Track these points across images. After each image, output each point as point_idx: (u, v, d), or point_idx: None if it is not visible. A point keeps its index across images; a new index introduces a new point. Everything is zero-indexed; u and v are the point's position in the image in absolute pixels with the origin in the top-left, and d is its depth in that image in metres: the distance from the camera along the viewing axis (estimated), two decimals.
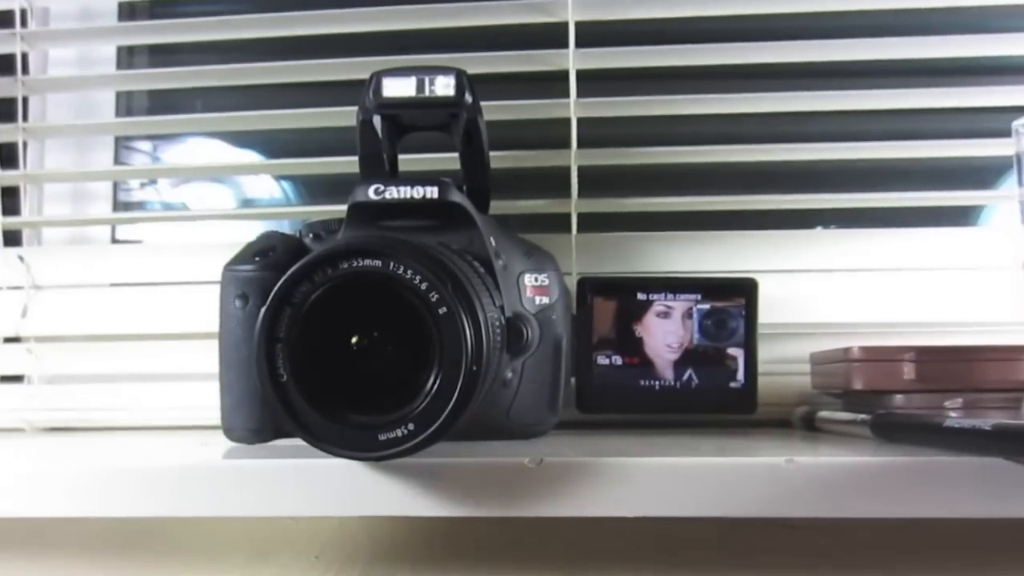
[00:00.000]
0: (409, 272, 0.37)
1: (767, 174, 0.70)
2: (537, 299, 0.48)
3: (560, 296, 0.49)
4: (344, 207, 0.45)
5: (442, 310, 0.36)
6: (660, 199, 0.68)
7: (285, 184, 0.80)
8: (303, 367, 0.37)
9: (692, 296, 0.55)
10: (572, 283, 0.56)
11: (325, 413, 0.37)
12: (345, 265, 0.37)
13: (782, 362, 0.62)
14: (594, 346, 0.54)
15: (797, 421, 0.58)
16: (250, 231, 0.51)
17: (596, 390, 0.54)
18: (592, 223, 0.67)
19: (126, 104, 0.80)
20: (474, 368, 0.36)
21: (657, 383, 0.55)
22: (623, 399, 0.55)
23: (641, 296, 0.55)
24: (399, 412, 0.37)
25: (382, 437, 0.37)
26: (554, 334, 0.49)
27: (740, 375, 0.55)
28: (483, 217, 0.48)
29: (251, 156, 0.81)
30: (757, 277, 0.56)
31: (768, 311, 0.56)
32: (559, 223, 0.66)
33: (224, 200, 0.81)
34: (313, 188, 0.79)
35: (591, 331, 0.54)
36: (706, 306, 0.55)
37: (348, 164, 0.59)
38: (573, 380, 0.53)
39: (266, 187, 0.80)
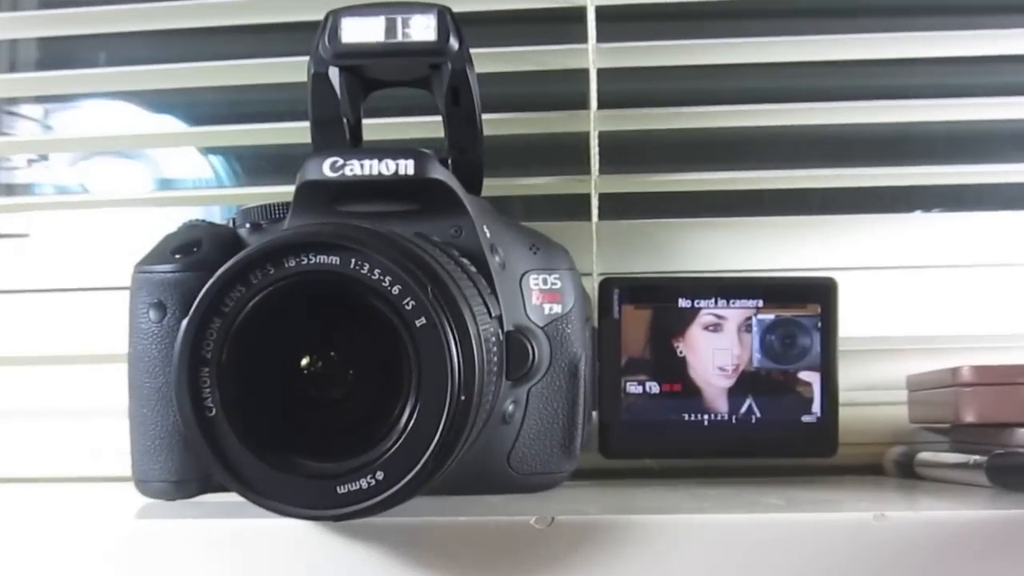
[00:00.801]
0: (376, 272, 0.37)
1: (848, 142, 0.70)
2: (546, 307, 0.49)
3: (577, 304, 0.49)
4: (291, 188, 0.45)
5: (420, 322, 0.36)
6: (706, 175, 0.68)
7: (215, 159, 0.80)
8: (237, 398, 0.37)
9: (751, 303, 0.55)
10: (593, 286, 0.56)
11: (267, 458, 0.37)
12: (292, 263, 0.37)
13: (870, 389, 0.62)
14: (622, 369, 0.54)
15: (891, 465, 0.59)
16: (170, 221, 0.51)
17: (625, 427, 0.54)
18: (618, 207, 0.67)
19: (8, 57, 0.80)
20: (462, 398, 0.36)
21: (706, 418, 0.55)
22: (660, 439, 0.55)
23: (684, 303, 0.55)
24: (364, 457, 0.37)
25: (342, 489, 0.36)
26: (569, 354, 0.49)
27: (816, 406, 0.55)
28: (475, 200, 0.48)
29: (171, 123, 0.81)
30: (836, 276, 0.56)
31: (852, 321, 0.56)
32: (575, 207, 0.67)
33: (136, 181, 0.81)
34: (251, 164, 0.80)
35: (618, 350, 0.54)
36: (770, 316, 0.55)
37: (297, 132, 0.59)
38: (595, 414, 0.53)
39: (191, 163, 0.81)
